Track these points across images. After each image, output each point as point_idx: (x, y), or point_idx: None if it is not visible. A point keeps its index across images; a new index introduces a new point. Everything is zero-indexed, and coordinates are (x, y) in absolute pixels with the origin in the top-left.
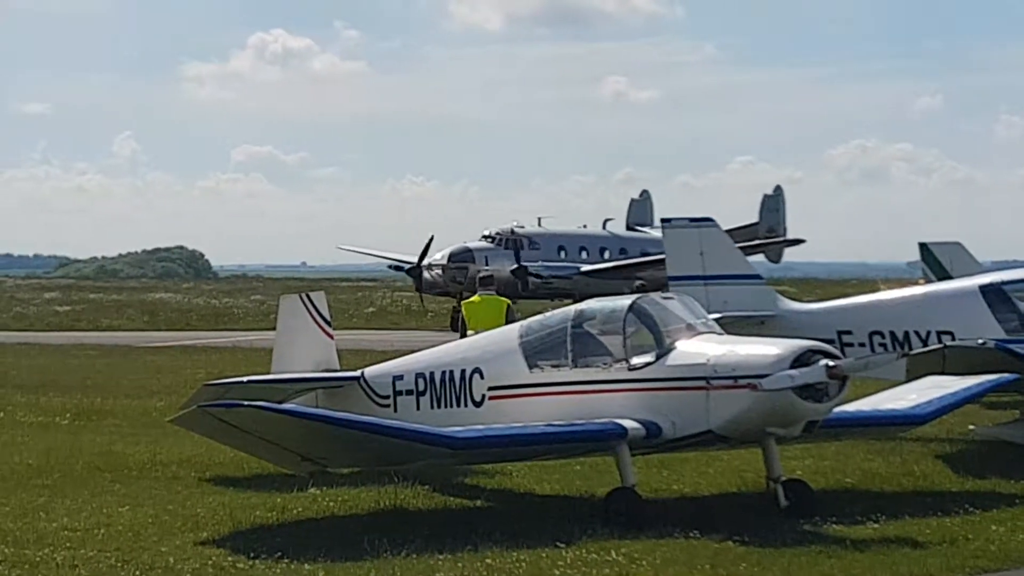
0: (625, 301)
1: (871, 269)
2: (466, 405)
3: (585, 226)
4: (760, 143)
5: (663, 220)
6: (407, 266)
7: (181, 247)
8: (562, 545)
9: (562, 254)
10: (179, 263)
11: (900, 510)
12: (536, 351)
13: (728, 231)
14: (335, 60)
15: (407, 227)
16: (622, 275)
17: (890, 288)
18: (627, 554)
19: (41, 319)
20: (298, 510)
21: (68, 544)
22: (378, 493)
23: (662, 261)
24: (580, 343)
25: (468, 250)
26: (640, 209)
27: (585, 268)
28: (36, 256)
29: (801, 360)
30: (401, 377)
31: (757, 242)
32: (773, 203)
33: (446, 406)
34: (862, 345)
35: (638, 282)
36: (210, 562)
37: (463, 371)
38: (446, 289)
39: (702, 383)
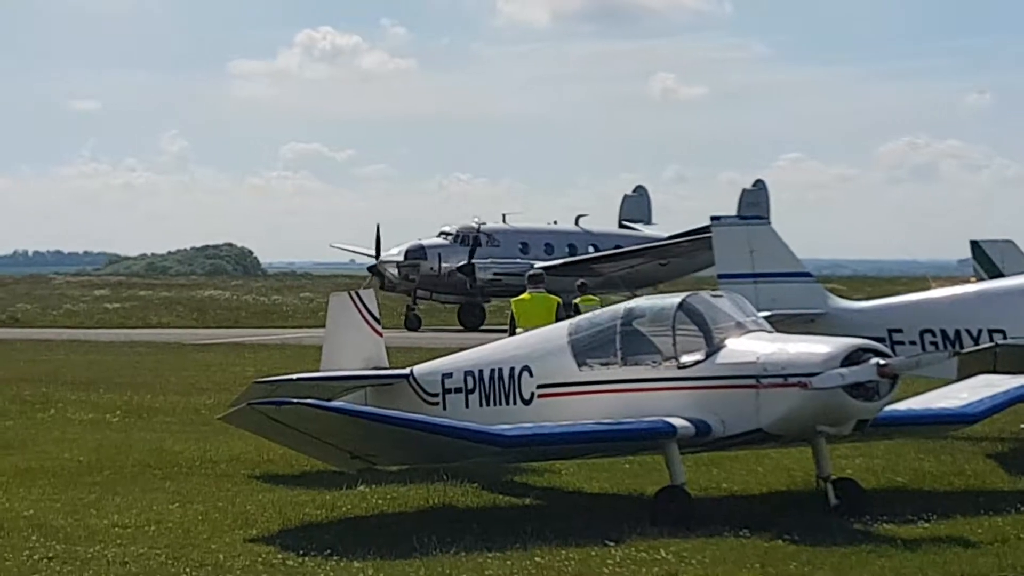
0: (675, 299)
1: (921, 267)
2: (515, 403)
3: (556, 222)
4: (809, 140)
5: (712, 218)
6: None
7: (230, 244)
8: (611, 543)
9: (525, 251)
10: (228, 260)
11: (951, 509)
12: (585, 349)
13: (702, 228)
14: (383, 57)
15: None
16: (577, 271)
17: (941, 286)
18: (676, 552)
19: (91, 316)
20: (347, 507)
21: (119, 541)
22: (427, 491)
23: (616, 256)
24: (629, 341)
25: (421, 247)
26: (634, 205)
27: (539, 265)
28: (86, 253)
29: (852, 358)
30: (450, 375)
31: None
32: (752, 197)
33: (495, 404)
34: (913, 343)
35: (579, 281)
36: (260, 559)
37: (512, 369)
38: (399, 287)
39: (752, 381)
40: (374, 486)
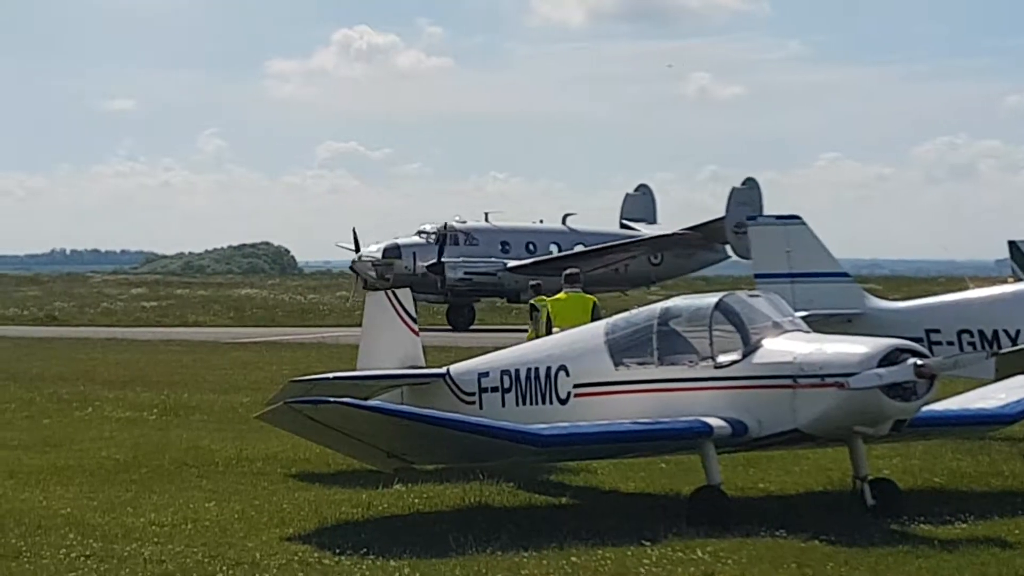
0: (712, 299)
1: (959, 267)
2: (551, 402)
3: (541, 221)
4: (846, 140)
5: (749, 218)
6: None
7: (266, 243)
8: (647, 543)
9: (505, 250)
10: (264, 259)
11: (989, 510)
12: (622, 349)
13: (692, 228)
14: (420, 56)
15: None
16: (551, 270)
17: (979, 286)
18: (712, 552)
19: (128, 315)
20: (383, 506)
21: (156, 539)
22: (463, 490)
23: (588, 254)
24: (666, 341)
25: (396, 247)
26: (637, 204)
27: (512, 264)
28: (123, 252)
29: (889, 359)
30: (487, 374)
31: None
32: (742, 196)
33: (531, 403)
34: (950, 344)
35: (533, 282)
36: (296, 558)
37: (548, 368)
38: (375, 286)
39: (789, 381)
40: (410, 485)
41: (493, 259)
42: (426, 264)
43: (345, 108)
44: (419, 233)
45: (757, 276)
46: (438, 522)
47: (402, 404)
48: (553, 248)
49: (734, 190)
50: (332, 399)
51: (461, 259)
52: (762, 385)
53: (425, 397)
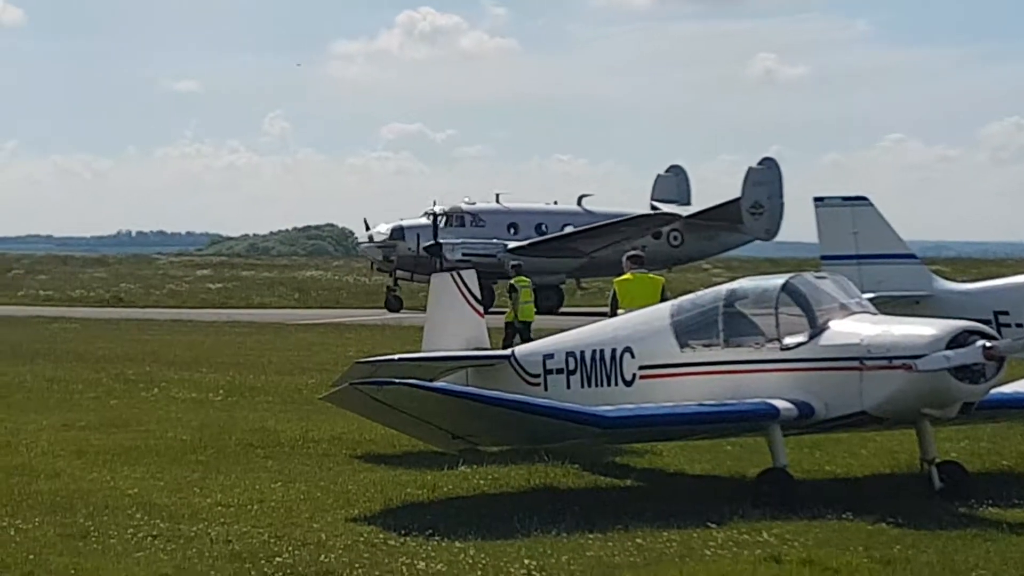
0: (778, 280)
1: None
2: (616, 384)
3: (556, 202)
4: (911, 121)
5: (816, 199)
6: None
7: (331, 225)
8: (713, 525)
9: (512, 231)
10: (329, 241)
11: None
12: (688, 330)
13: (706, 210)
14: (483, 37)
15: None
16: (553, 250)
17: None
18: (779, 535)
19: (193, 296)
20: (448, 488)
21: (222, 519)
22: (528, 471)
23: (589, 232)
24: (732, 322)
25: (400, 228)
26: (667, 185)
27: (512, 245)
28: (188, 233)
29: (957, 341)
30: (552, 356)
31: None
32: (759, 176)
33: (596, 385)
34: (1019, 325)
35: (514, 262)
36: (361, 539)
37: (614, 350)
38: (381, 267)
39: (856, 363)
40: (475, 467)
41: (496, 240)
42: (424, 245)
43: (409, 89)
44: (426, 214)
45: (824, 257)
46: (503, 503)
47: (467, 385)
48: (563, 230)
49: (750, 170)
50: (397, 380)
51: (460, 240)
52: (829, 367)
53: (490, 378)
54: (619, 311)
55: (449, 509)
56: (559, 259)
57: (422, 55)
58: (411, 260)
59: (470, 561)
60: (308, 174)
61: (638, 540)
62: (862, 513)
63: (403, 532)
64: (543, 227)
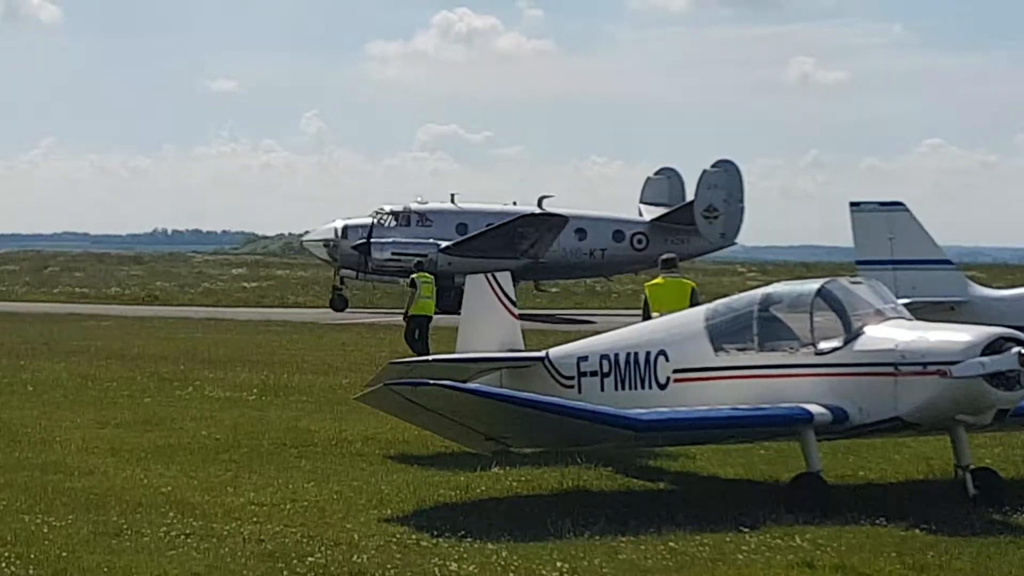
0: (813, 285)
1: None
2: (650, 387)
3: (515, 203)
4: (950, 126)
5: (852, 204)
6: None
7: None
8: (746, 530)
9: (463, 231)
10: None
11: None
12: (722, 334)
13: (666, 214)
14: (520, 39)
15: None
16: (484, 250)
17: None
18: (812, 540)
19: (228, 295)
20: (481, 489)
21: (255, 518)
22: (561, 474)
23: (490, 232)
24: (766, 327)
25: (345, 227)
26: (657, 188)
27: (444, 244)
28: (224, 232)
29: (993, 347)
30: (586, 358)
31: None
32: (713, 179)
33: (630, 388)
34: None
35: (416, 260)
36: (394, 539)
37: (648, 353)
38: (333, 265)
39: (890, 369)
40: (508, 468)
41: (435, 240)
42: (352, 244)
43: (445, 91)
44: (374, 214)
45: (859, 262)
46: (536, 505)
47: (501, 387)
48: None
49: (704, 172)
50: (431, 381)
51: (391, 240)
52: (863, 372)
53: (524, 380)
54: (653, 315)
55: (482, 510)
56: (494, 260)
57: (458, 56)
58: (354, 259)
59: (502, 563)
60: (344, 174)
61: (671, 543)
62: (895, 519)
63: (436, 533)
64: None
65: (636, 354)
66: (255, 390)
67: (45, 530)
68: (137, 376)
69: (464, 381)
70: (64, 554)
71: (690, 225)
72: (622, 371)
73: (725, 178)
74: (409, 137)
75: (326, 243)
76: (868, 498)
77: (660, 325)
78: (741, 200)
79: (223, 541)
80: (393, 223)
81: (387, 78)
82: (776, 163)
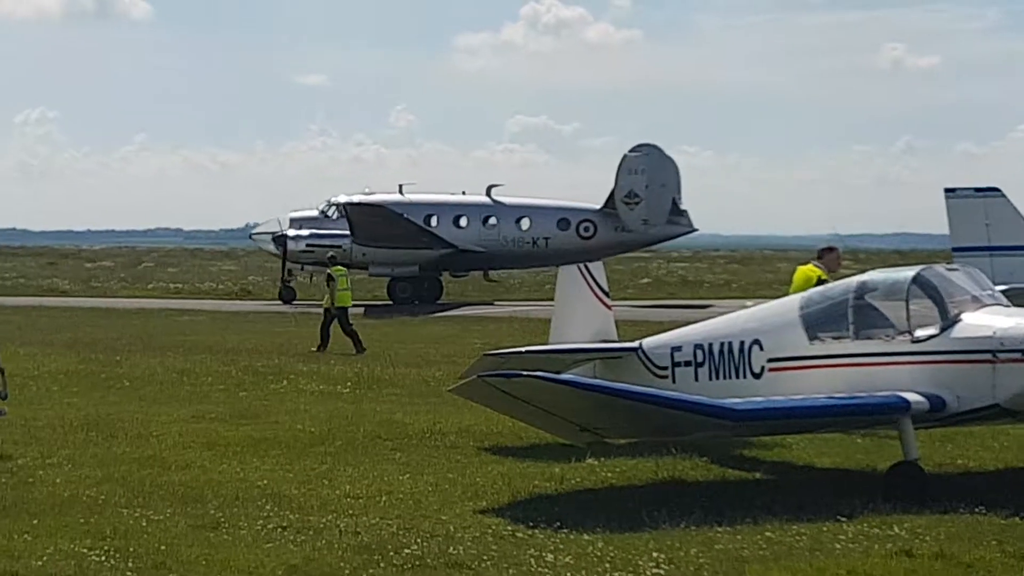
0: (909, 272)
1: None
2: (745, 377)
3: (464, 192)
4: None
5: (947, 190)
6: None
7: None
8: (843, 519)
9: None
10: None
11: None
12: (817, 323)
13: (607, 203)
14: (608, 29)
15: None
16: (400, 240)
17: None
18: (910, 529)
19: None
20: (576, 480)
21: (351, 511)
22: (656, 464)
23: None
24: (862, 315)
25: (291, 220)
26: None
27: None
28: None
29: None
30: (679, 348)
31: None
32: (633, 163)
33: (724, 378)
34: None
35: (329, 254)
36: (490, 531)
37: (742, 343)
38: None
39: (988, 356)
40: (603, 459)
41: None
42: (272, 236)
43: (534, 82)
44: (324, 206)
45: (955, 249)
46: (631, 496)
47: (594, 378)
48: (463, 221)
49: (625, 157)
50: (525, 373)
51: (308, 232)
52: (961, 360)
53: (617, 371)
54: (746, 304)
55: (577, 502)
56: (413, 250)
57: (547, 47)
58: (299, 251)
59: (598, 554)
60: (434, 166)
61: (767, 533)
62: (995, 507)
63: (531, 524)
64: (431, 219)
65: (730, 343)
66: (349, 383)
67: (144, 524)
68: (232, 370)
69: (558, 372)
70: (163, 548)
71: (611, 210)
72: (716, 361)
73: (647, 162)
74: (498, 129)
75: (273, 236)
76: (967, 486)
77: (754, 314)
78: (666, 185)
79: (320, 533)
80: (336, 215)
81: (476, 70)
82: (869, 149)
